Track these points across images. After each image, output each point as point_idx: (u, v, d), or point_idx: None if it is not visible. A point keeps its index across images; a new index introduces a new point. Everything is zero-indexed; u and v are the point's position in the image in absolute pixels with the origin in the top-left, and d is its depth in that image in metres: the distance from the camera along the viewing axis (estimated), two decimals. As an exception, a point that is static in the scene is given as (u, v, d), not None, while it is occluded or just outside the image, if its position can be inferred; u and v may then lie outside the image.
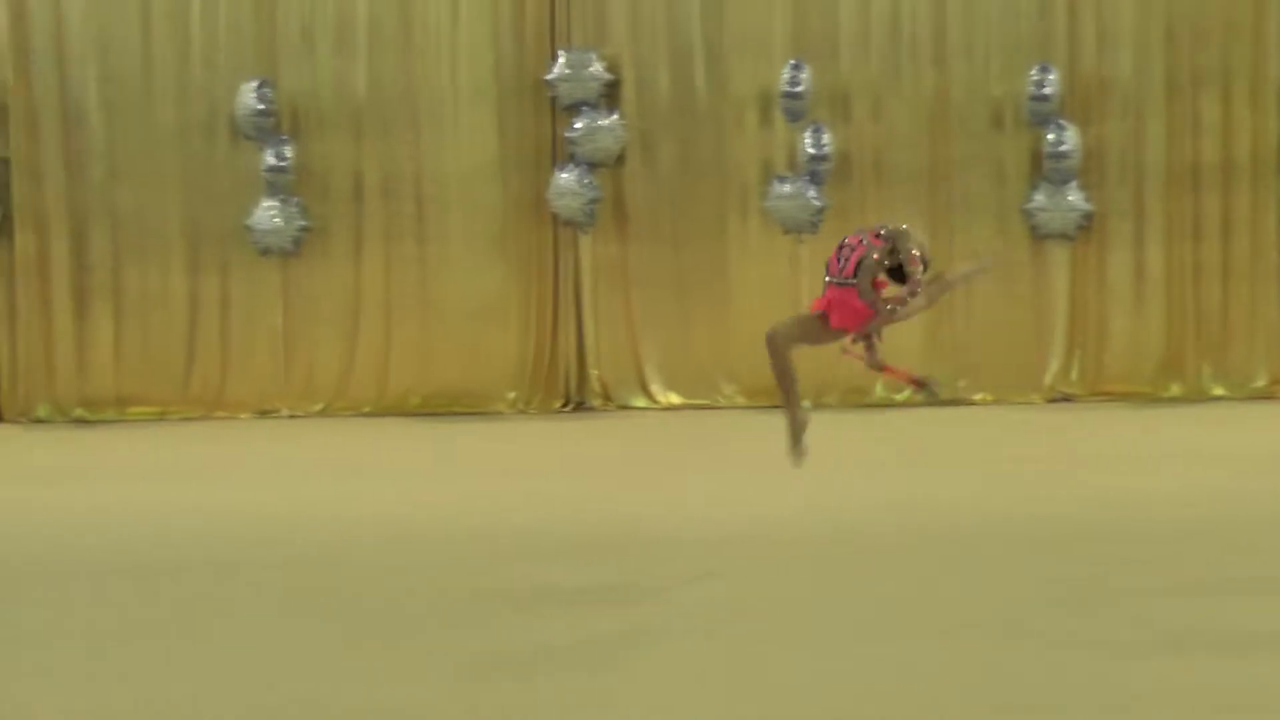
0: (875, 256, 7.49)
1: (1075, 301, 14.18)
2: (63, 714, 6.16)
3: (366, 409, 14.28)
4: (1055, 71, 13.76)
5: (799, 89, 13.65)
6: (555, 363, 14.34)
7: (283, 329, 14.27)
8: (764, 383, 13.52)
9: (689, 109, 14.11)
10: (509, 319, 14.20)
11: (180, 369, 14.35)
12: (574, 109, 13.92)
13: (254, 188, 14.03)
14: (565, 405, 14.36)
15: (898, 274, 7.67)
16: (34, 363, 14.30)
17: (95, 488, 11.28)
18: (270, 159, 13.91)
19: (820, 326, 7.73)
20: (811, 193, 13.71)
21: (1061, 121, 13.76)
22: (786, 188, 13.74)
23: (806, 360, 12.60)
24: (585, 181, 13.85)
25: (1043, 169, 13.87)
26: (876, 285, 7.75)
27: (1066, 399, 14.17)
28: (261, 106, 13.79)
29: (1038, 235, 14.01)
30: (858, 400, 13.99)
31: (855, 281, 7.46)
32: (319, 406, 14.32)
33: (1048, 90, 13.69)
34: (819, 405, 13.82)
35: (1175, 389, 14.17)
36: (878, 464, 11.59)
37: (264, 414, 14.31)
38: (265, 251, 14.07)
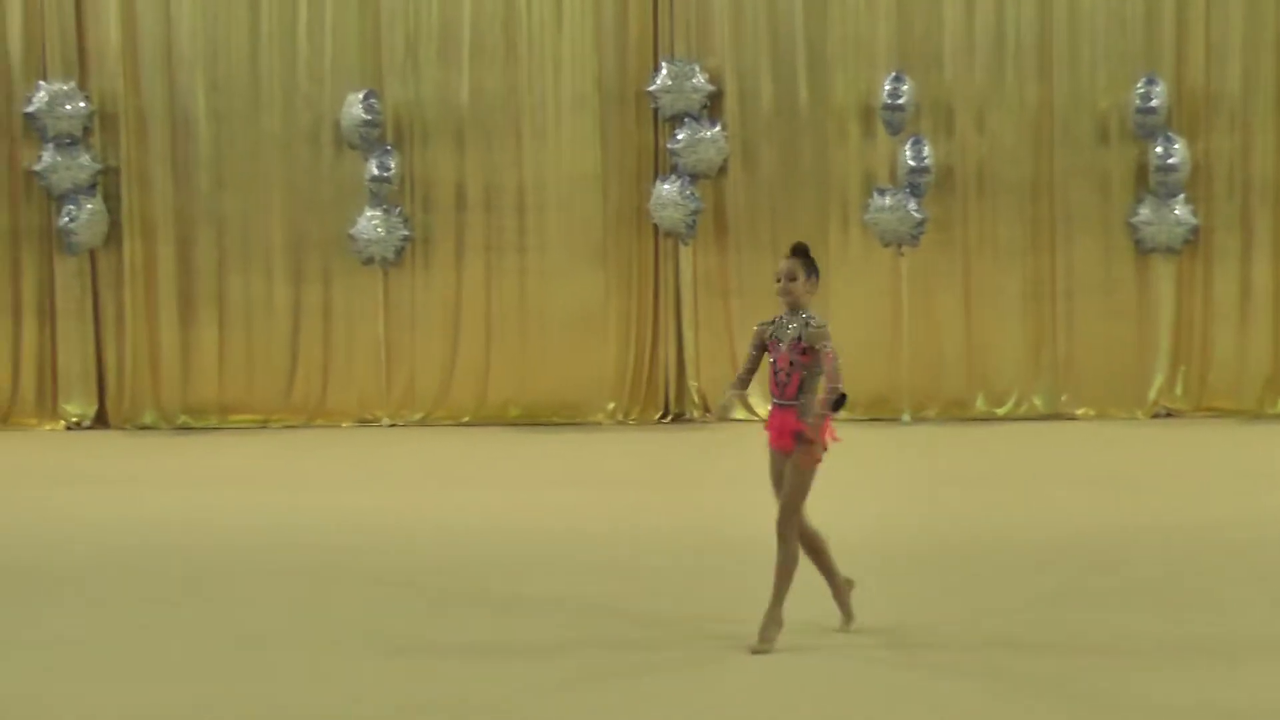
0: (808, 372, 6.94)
1: (1180, 316, 14.00)
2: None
3: (466, 418, 14.35)
4: (1162, 83, 13.61)
5: (900, 101, 13.59)
6: (654, 374, 14.35)
7: (384, 338, 14.37)
8: (863, 395, 13.65)
9: (791, 120, 14.08)
10: (608, 330, 14.23)
11: (282, 377, 14.52)
12: (676, 119, 13.93)
13: (357, 197, 14.16)
14: (664, 416, 14.36)
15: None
16: (140, 370, 14.53)
17: (200, 492, 11.44)
18: (374, 169, 14.02)
19: (775, 461, 7.17)
20: (912, 205, 13.63)
21: (1170, 134, 13.60)
22: (887, 200, 13.66)
23: (907, 374, 12.62)
24: (687, 193, 13.84)
25: (1148, 182, 13.71)
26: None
27: (1170, 414, 13.98)
28: (368, 117, 13.91)
29: (1142, 249, 13.83)
30: (959, 414, 13.88)
31: (798, 402, 6.94)
32: (419, 415, 14.42)
33: (1155, 102, 13.53)
34: (919, 419, 13.82)
35: (1281, 405, 13.98)
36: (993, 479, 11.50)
37: (364, 423, 14.42)
38: (368, 261, 14.17)
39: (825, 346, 6.87)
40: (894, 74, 13.69)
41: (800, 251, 7.11)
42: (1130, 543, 9.08)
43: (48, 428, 14.57)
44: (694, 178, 13.93)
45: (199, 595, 8.23)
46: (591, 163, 14.21)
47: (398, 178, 14.12)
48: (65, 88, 14.23)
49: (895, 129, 13.69)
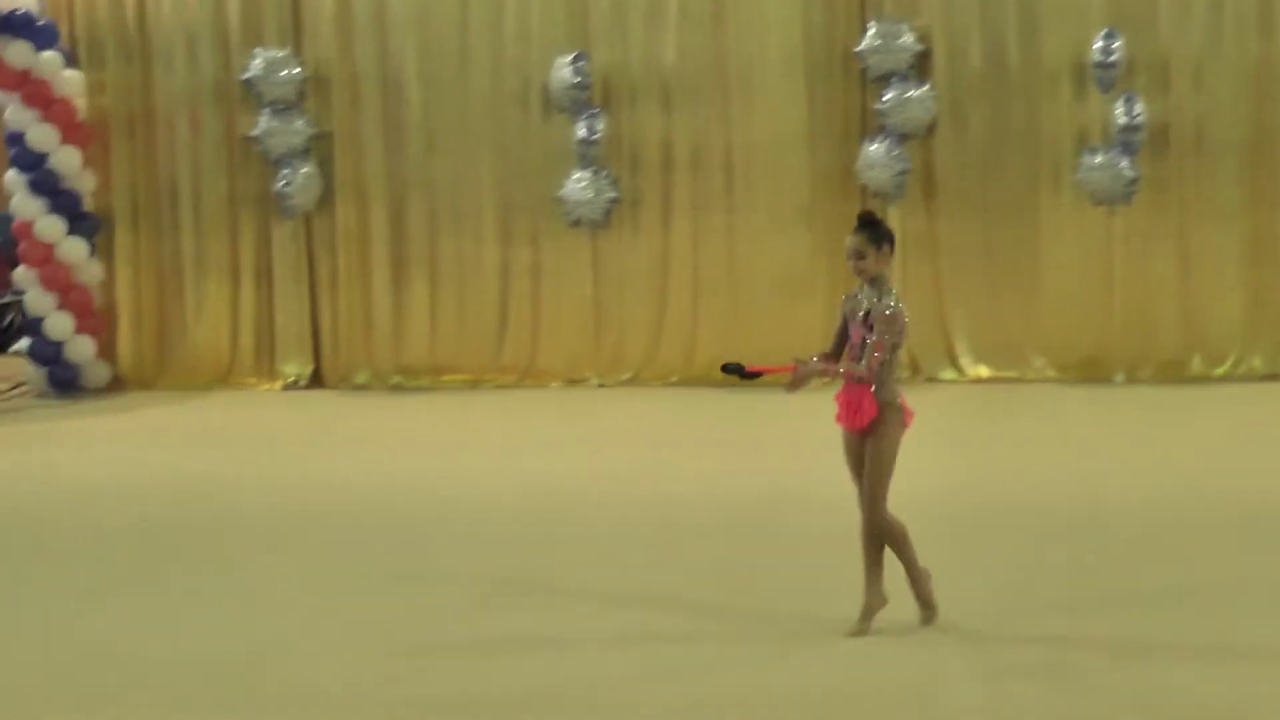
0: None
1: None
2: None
3: (674, 379, 14.44)
4: (1390, 36, 13.28)
5: (1112, 59, 13.38)
6: (861, 334, 14.29)
7: (592, 299, 14.50)
8: (1075, 356, 13.53)
9: (1000, 79, 13.90)
10: (815, 290, 14.14)
11: (493, 338, 14.71)
12: (884, 80, 13.86)
13: (566, 160, 14.27)
14: (872, 378, 14.29)
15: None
16: (354, 331, 14.83)
17: (413, 452, 11.81)
18: (582, 131, 14.13)
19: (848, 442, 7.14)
20: (1124, 163, 13.44)
21: (1398, 90, 13.28)
22: (1098, 159, 13.49)
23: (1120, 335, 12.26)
24: (895, 153, 13.78)
25: (1374, 140, 13.39)
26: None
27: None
28: (577, 79, 14.02)
29: (1367, 208, 13.52)
30: (1174, 376, 13.68)
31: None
32: (627, 376, 14.54)
33: (1382, 57, 13.21)
34: (1132, 380, 13.65)
35: None
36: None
37: (573, 383, 14.57)
38: (576, 223, 14.31)
39: (881, 335, 6.72)
40: (1105, 31, 13.49)
41: (866, 223, 6.88)
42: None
43: (265, 387, 14.93)
44: (902, 138, 13.86)
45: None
46: (798, 123, 14.15)
47: (605, 140, 14.22)
48: (280, 55, 14.52)
49: (1107, 86, 13.50)
